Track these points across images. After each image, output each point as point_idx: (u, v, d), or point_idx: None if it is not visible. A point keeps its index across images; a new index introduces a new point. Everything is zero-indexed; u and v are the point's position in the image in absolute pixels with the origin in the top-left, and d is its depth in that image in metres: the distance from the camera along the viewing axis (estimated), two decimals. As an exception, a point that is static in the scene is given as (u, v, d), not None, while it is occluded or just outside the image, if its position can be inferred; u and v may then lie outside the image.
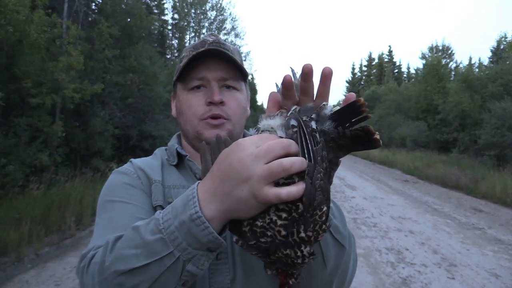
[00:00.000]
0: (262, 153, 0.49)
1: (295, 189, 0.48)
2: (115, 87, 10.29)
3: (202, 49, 0.80)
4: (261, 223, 0.51)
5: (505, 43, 26.73)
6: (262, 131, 0.55)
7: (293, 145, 0.50)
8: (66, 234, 5.66)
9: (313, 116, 0.52)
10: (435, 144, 20.15)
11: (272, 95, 0.59)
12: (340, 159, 0.53)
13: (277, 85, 0.60)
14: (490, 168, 12.01)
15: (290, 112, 0.54)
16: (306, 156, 0.48)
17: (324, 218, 0.49)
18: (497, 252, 5.11)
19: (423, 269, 4.45)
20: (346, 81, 58.19)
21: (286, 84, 0.55)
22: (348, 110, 0.50)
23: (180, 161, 0.86)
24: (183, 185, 0.80)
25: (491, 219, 7.07)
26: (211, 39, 0.85)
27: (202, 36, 0.93)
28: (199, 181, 0.57)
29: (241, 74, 0.86)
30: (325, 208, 0.49)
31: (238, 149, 0.51)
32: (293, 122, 0.52)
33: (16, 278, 4.15)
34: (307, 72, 0.53)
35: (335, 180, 0.55)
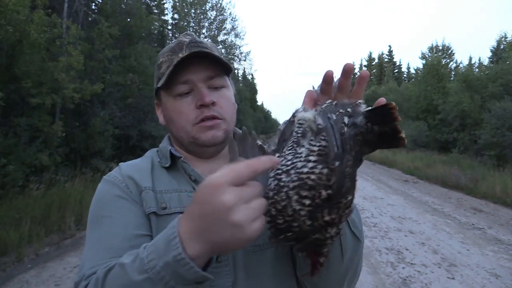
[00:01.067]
0: (242, 198, 0.51)
1: (262, 220, 0.53)
2: (115, 87, 10.28)
3: (184, 53, 0.79)
4: (282, 220, 0.53)
5: (505, 43, 26.77)
6: (299, 119, 0.58)
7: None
8: (66, 234, 5.66)
9: (349, 109, 0.55)
10: (435, 144, 20.14)
11: (309, 92, 0.62)
12: (363, 157, 0.56)
13: (313, 87, 0.65)
14: (490, 168, 12.00)
15: (326, 104, 0.58)
16: (335, 144, 0.51)
17: (349, 204, 0.53)
18: (497, 252, 5.11)
19: (423, 269, 4.45)
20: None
21: (327, 79, 0.59)
22: (381, 111, 0.53)
23: (173, 163, 0.83)
24: (175, 188, 0.79)
25: (491, 219, 7.07)
26: (187, 40, 0.84)
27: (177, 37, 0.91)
28: (179, 216, 0.57)
29: (225, 69, 0.84)
30: (350, 197, 0.52)
31: (219, 192, 0.51)
32: (329, 114, 0.55)
33: (16, 278, 4.15)
34: (347, 70, 0.58)
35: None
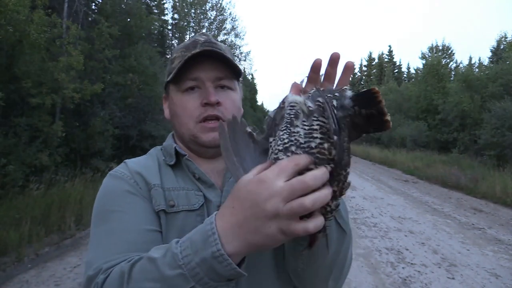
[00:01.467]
0: (285, 193, 0.50)
1: (320, 221, 0.52)
2: (115, 87, 10.28)
3: (196, 50, 0.80)
4: None
5: (505, 43, 26.78)
6: (290, 102, 0.59)
7: (318, 180, 0.51)
8: (66, 234, 5.66)
9: (337, 94, 0.57)
10: (435, 144, 20.16)
11: (294, 83, 0.63)
12: (349, 143, 0.58)
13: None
14: (490, 168, 12.01)
15: (314, 90, 0.59)
16: (331, 121, 0.53)
17: (347, 176, 0.55)
18: (497, 252, 5.11)
19: (423, 269, 4.45)
20: (346, 81, 58.17)
21: (315, 67, 0.60)
22: (367, 95, 0.56)
23: (177, 161, 0.84)
24: (182, 187, 0.79)
25: (491, 219, 7.08)
26: (202, 39, 0.85)
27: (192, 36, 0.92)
28: (215, 212, 0.57)
29: (235, 73, 0.85)
30: (348, 170, 0.55)
31: (264, 187, 0.51)
32: (318, 98, 0.57)
33: (16, 278, 4.15)
34: (334, 59, 0.59)
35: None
